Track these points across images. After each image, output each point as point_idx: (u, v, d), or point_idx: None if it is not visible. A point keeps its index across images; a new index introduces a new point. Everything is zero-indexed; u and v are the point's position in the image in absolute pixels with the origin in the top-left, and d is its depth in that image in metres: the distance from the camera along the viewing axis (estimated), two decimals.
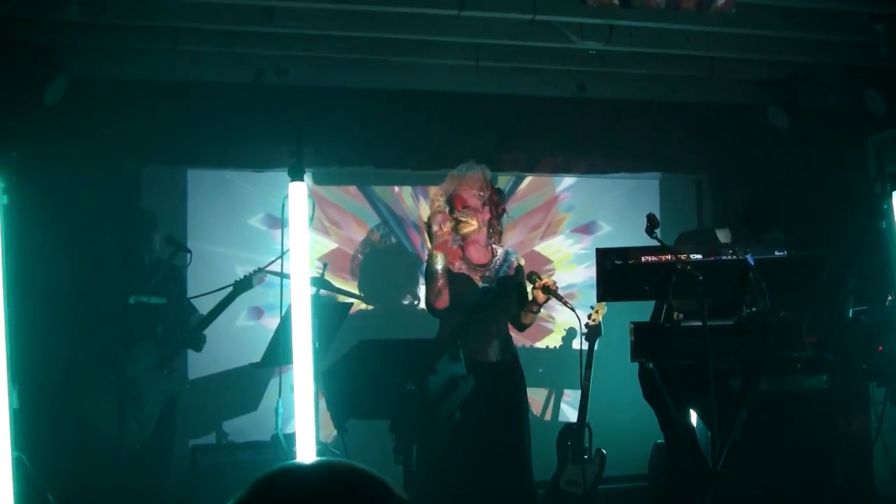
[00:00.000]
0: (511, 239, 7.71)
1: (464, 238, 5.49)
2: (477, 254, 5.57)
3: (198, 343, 6.11)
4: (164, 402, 5.86)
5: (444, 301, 5.40)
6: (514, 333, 5.67)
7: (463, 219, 5.44)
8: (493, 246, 5.62)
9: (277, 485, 1.29)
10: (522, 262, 5.67)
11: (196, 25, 6.12)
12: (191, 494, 5.90)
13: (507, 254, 5.63)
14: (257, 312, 7.18)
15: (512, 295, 5.56)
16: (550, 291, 5.39)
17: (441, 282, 5.39)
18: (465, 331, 5.37)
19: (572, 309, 5.45)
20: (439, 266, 5.40)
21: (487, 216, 5.51)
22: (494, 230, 5.59)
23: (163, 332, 5.92)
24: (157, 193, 7.04)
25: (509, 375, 5.51)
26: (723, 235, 5.48)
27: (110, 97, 6.53)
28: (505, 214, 5.69)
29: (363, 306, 7.25)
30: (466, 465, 5.27)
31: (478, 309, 5.46)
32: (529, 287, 5.48)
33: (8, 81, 5.99)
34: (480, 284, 5.49)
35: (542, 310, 5.61)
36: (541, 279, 5.43)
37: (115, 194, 6.64)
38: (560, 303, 5.49)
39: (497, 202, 5.60)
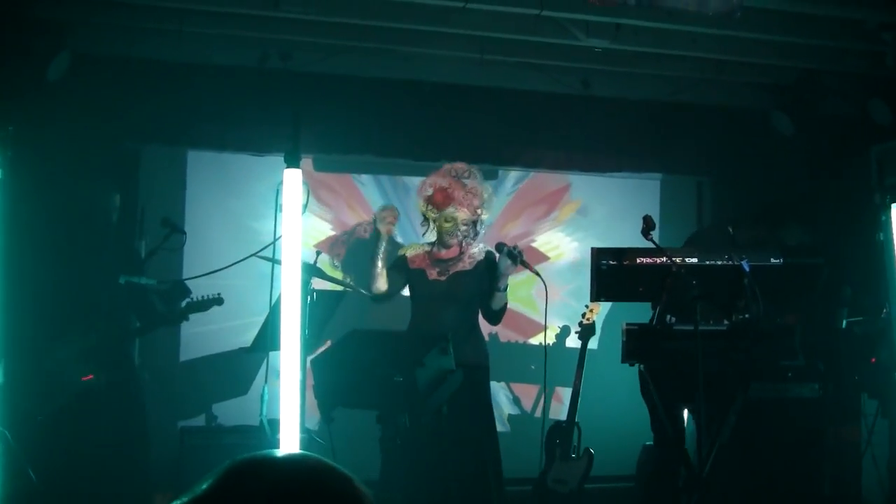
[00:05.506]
0: (512, 230, 7.71)
1: (444, 233, 5.42)
2: (445, 249, 5.48)
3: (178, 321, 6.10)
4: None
5: (377, 287, 5.37)
6: (494, 331, 5.48)
7: (435, 214, 5.39)
8: (468, 242, 5.47)
9: (250, 475, 1.28)
10: (494, 258, 5.38)
11: (203, 7, 6.10)
12: (177, 475, 5.90)
13: (477, 250, 5.49)
14: None
15: (467, 289, 5.39)
16: (513, 257, 5.13)
17: (378, 268, 5.34)
18: (422, 326, 5.35)
19: (537, 273, 5.24)
20: (382, 252, 5.34)
21: (466, 214, 5.43)
22: (468, 229, 5.44)
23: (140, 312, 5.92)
24: (156, 174, 7.02)
25: (470, 376, 5.13)
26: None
27: (113, 75, 6.50)
28: (483, 214, 5.47)
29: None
30: (426, 471, 5.10)
31: (426, 302, 5.43)
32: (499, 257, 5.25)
33: (11, 56, 5.96)
34: (432, 279, 5.43)
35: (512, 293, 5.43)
36: (507, 247, 5.20)
37: (113, 172, 6.60)
38: (527, 269, 5.26)
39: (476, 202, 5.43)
